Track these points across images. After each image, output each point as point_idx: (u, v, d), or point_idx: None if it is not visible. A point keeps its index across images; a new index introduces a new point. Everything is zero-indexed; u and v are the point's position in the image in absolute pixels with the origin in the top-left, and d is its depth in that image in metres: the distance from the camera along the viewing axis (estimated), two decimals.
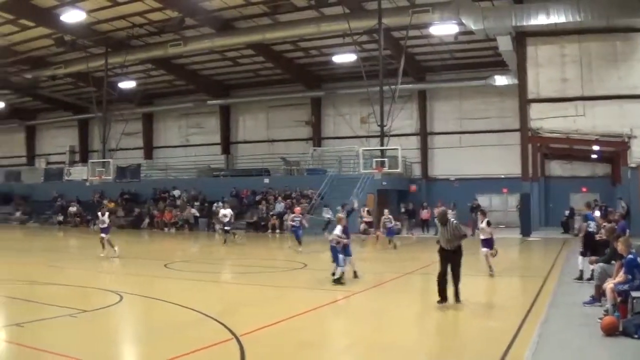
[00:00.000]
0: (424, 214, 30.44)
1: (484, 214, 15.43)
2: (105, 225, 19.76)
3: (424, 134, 37.49)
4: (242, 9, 29.53)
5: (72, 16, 28.52)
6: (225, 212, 25.31)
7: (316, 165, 37.51)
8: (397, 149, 27.64)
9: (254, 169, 38.87)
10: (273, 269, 17.50)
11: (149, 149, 46.80)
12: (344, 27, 27.70)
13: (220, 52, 35.02)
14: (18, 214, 43.01)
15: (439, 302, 10.44)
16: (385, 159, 27.19)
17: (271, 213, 32.76)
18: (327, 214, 28.16)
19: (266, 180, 36.24)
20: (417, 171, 37.94)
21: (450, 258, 10.77)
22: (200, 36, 32.06)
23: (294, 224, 22.14)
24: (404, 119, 35.72)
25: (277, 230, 31.75)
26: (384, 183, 33.04)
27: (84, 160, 47.03)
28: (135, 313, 11.33)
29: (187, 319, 9.97)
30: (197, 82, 41.17)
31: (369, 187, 31.94)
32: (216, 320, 9.58)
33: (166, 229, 34.71)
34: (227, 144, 43.61)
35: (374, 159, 27.43)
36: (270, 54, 35.46)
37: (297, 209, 24.35)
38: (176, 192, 38.00)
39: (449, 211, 12.94)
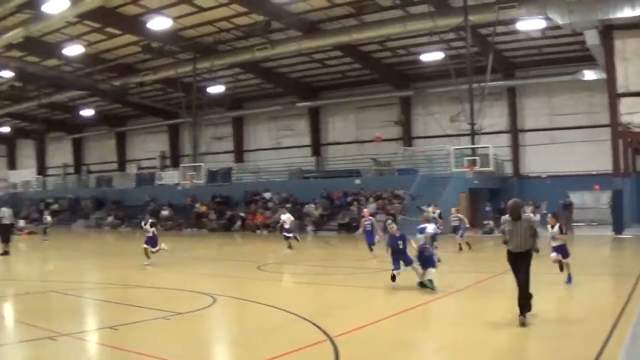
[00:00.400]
0: None
1: (555, 217, 14.33)
2: (150, 235, 20.12)
3: (514, 131, 38.47)
4: (327, 11, 31.13)
5: (158, 23, 30.70)
6: (284, 218, 25.65)
7: (407, 165, 38.93)
8: (488, 147, 28.83)
9: (345, 170, 40.82)
10: (364, 270, 17.90)
11: (239, 152, 49.63)
12: (430, 26, 29.05)
13: (307, 54, 36.76)
14: (110, 218, 46.86)
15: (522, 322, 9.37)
16: (477, 158, 28.40)
17: (362, 214, 34.57)
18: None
19: (357, 181, 37.98)
20: (508, 169, 38.95)
21: (520, 263, 9.67)
22: (287, 39, 33.65)
23: (366, 227, 21.57)
24: (494, 117, 36.75)
25: None
26: (476, 182, 34.20)
27: (175, 164, 50.69)
28: (228, 315, 11.99)
29: (280, 321, 10.58)
30: (285, 84, 43.37)
31: (460, 186, 33.41)
32: (309, 321, 10.06)
33: (258, 231, 37.12)
34: (317, 146, 45.75)
35: (465, 158, 28.69)
36: (357, 55, 37.09)
37: (366, 210, 23.87)
38: (267, 195, 40.53)
39: (527, 208, 13.72)
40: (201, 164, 38.78)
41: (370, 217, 22.29)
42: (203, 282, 16.58)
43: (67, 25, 32.53)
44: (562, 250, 13.81)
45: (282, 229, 25.83)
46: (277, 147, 47.83)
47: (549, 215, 14.63)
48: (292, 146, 46.75)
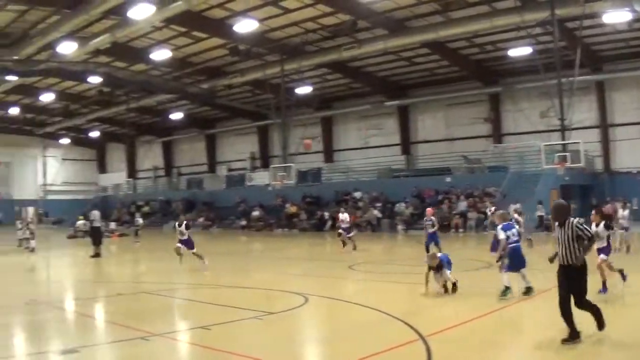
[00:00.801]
0: (608, 208, 31.09)
1: (599, 213, 13.51)
2: (185, 237, 20.28)
3: (604, 126, 39.40)
4: (413, 8, 32.30)
5: (245, 26, 31.89)
6: (343, 217, 25.96)
7: (497, 162, 40.38)
8: (578, 142, 29.71)
9: (435, 168, 42.52)
10: (456, 269, 18.50)
11: (329, 152, 52.11)
12: (516, 20, 30.09)
13: (394, 52, 38.15)
14: (201, 220, 50.36)
15: (566, 340, 8.62)
16: (567, 154, 29.23)
17: (454, 212, 36.28)
18: (539, 212, 31.85)
19: (448, 179, 39.80)
20: (598, 165, 39.97)
21: (567, 276, 8.71)
22: (374, 38, 34.95)
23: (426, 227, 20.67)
24: (582, 112, 37.42)
25: (461, 230, 35.12)
26: (566, 178, 35.21)
27: (265, 165, 53.67)
28: (320, 315, 12.51)
29: (372, 320, 11.10)
30: (373, 83, 45.34)
31: (551, 183, 34.81)
32: (401, 320, 10.51)
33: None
34: (406, 144, 47.54)
35: (556, 154, 29.69)
36: (445, 52, 38.46)
37: (429, 210, 22.15)
38: (357, 194, 42.88)
39: (617, 204, 13.26)
40: (291, 164, 40.53)
41: (432, 217, 20.86)
42: (294, 281, 17.42)
43: (153, 30, 35.05)
44: (606, 252, 12.99)
45: (341, 229, 25.88)
46: (366, 146, 49.88)
47: (593, 211, 13.86)
48: (381, 145, 48.61)
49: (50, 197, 68.67)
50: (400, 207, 39.34)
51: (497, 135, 43.35)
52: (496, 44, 37.21)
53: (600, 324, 8.78)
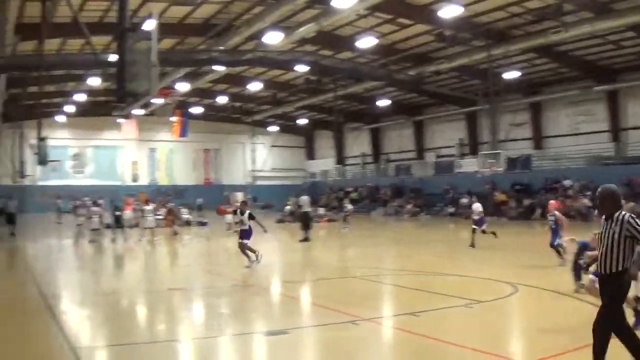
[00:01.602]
0: None
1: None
2: (247, 228, 20.16)
3: None
4: None
5: (449, 11, 33.77)
6: (474, 207, 26.36)
7: None
8: None
9: None
10: None
11: (538, 139, 53.98)
12: None
13: (601, 36, 39.40)
14: (409, 206, 55.33)
15: None
16: None
17: None
18: None
19: None
20: None
21: (604, 287, 7.52)
22: (579, 21, 35.57)
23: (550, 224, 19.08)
24: None
25: None
26: None
27: (474, 152, 56.77)
28: (531, 304, 13.06)
29: (585, 312, 10.79)
30: (581, 68, 46.57)
31: None
32: None
33: None
34: (616, 131, 48.15)
35: None
36: None
37: (552, 202, 20.89)
38: (567, 182, 45.55)
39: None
40: (500, 151, 43.40)
41: (556, 212, 19.02)
42: (502, 270, 17.96)
43: (358, 18, 38.19)
44: None
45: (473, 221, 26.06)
46: (575, 132, 51.12)
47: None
48: (590, 132, 49.58)
49: (259, 182, 76.54)
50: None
51: None
52: None
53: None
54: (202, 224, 44.93)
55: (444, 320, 11.26)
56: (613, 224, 7.41)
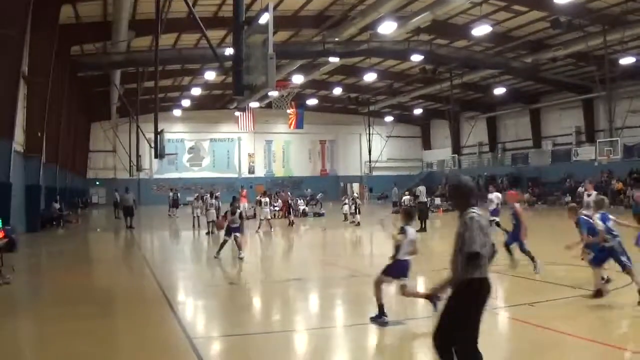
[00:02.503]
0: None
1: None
2: (236, 225, 20.42)
3: None
4: None
5: None
6: (492, 197, 25.60)
7: None
8: None
9: None
10: None
11: None
12: None
13: None
14: (527, 196, 55.45)
15: None
16: None
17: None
18: None
19: None
20: None
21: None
22: None
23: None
24: None
25: None
26: None
27: (590, 140, 56.71)
28: None
29: None
30: None
31: None
32: None
33: None
34: None
35: None
36: None
37: (511, 192, 21.05)
38: None
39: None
40: (617, 138, 43.52)
41: (515, 205, 17.19)
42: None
43: (472, 6, 38.64)
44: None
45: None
46: None
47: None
48: None
49: (375, 173, 77.51)
50: None
51: None
52: None
53: None
54: (319, 214, 46.02)
55: (562, 311, 11.23)
56: (459, 225, 6.62)
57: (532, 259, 16.02)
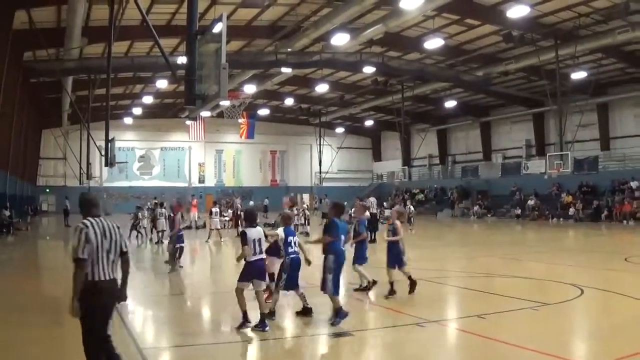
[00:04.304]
0: None
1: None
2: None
3: None
4: None
5: (517, 11, 34.18)
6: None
7: None
8: None
9: None
10: None
11: (605, 140, 54.14)
12: None
13: None
14: (476, 208, 55.95)
15: None
16: None
17: None
18: None
19: None
20: None
21: None
22: None
23: None
24: None
25: None
26: None
27: (540, 153, 57.32)
28: (597, 307, 13.04)
29: None
30: None
31: None
32: None
33: (625, 222, 42.59)
34: None
35: None
36: None
37: (395, 209, 19.93)
38: (634, 184, 45.64)
39: None
40: (567, 152, 43.60)
41: (396, 222, 16.07)
42: (569, 273, 18.11)
43: (425, 19, 38.87)
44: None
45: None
46: None
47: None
48: None
49: (326, 184, 76.87)
50: None
51: None
52: None
53: None
54: (269, 225, 45.59)
55: (510, 323, 11.31)
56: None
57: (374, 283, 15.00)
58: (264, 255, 10.93)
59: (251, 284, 10.87)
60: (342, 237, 11.65)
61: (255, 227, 11.17)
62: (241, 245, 10.90)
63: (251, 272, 10.73)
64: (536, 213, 50.38)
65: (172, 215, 21.00)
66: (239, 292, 10.75)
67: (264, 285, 10.95)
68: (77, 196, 8.06)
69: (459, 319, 12.00)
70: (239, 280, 10.86)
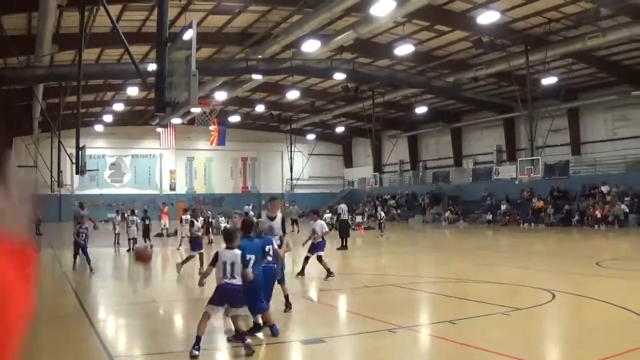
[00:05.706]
0: None
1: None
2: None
3: None
4: None
5: (487, 17, 34.55)
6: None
7: None
8: None
9: None
10: None
11: (576, 145, 54.33)
12: None
13: (639, 40, 39.08)
14: (447, 214, 55.87)
15: None
16: None
17: None
18: None
19: None
20: None
21: None
22: (617, 26, 35.69)
23: None
24: None
25: None
26: None
27: (512, 158, 57.41)
28: (568, 312, 13.10)
29: (621, 319, 11.44)
30: (618, 73, 46.76)
31: None
32: None
33: (596, 226, 42.69)
34: None
35: None
36: None
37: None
38: (605, 188, 45.71)
39: None
40: (538, 157, 43.84)
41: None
42: (541, 277, 18.05)
43: (395, 25, 38.74)
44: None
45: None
46: (613, 138, 51.47)
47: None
48: (629, 137, 49.77)
49: (297, 190, 76.71)
50: None
51: None
52: None
53: None
54: None
55: (482, 328, 11.25)
56: None
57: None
58: (237, 281, 9.68)
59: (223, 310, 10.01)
60: (252, 257, 10.27)
61: (233, 249, 9.93)
62: (209, 264, 10.27)
63: (222, 296, 9.69)
64: (508, 218, 50.30)
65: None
66: (205, 316, 9.60)
67: (240, 312, 9.88)
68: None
69: (431, 325, 12.01)
70: (208, 303, 9.76)
